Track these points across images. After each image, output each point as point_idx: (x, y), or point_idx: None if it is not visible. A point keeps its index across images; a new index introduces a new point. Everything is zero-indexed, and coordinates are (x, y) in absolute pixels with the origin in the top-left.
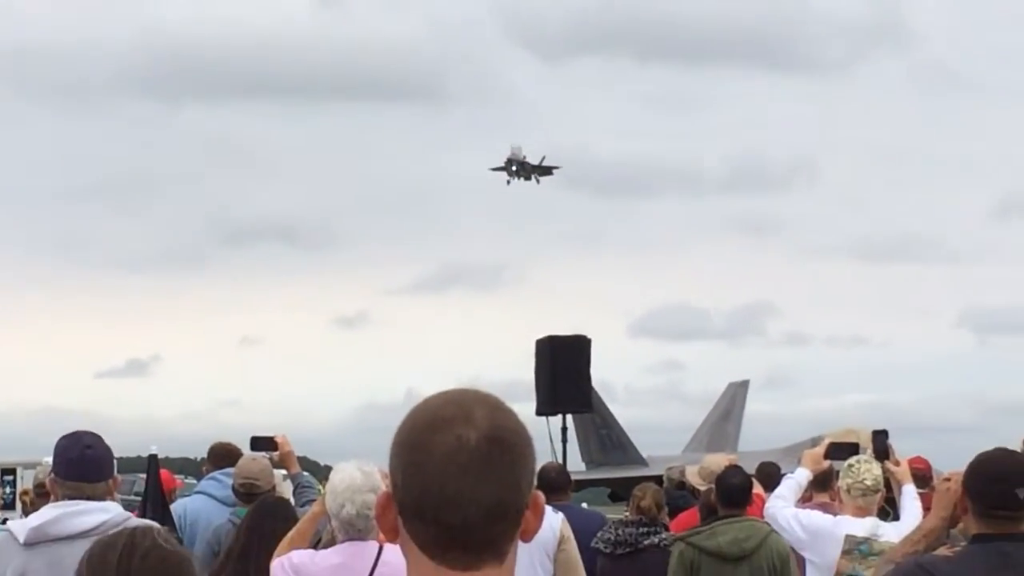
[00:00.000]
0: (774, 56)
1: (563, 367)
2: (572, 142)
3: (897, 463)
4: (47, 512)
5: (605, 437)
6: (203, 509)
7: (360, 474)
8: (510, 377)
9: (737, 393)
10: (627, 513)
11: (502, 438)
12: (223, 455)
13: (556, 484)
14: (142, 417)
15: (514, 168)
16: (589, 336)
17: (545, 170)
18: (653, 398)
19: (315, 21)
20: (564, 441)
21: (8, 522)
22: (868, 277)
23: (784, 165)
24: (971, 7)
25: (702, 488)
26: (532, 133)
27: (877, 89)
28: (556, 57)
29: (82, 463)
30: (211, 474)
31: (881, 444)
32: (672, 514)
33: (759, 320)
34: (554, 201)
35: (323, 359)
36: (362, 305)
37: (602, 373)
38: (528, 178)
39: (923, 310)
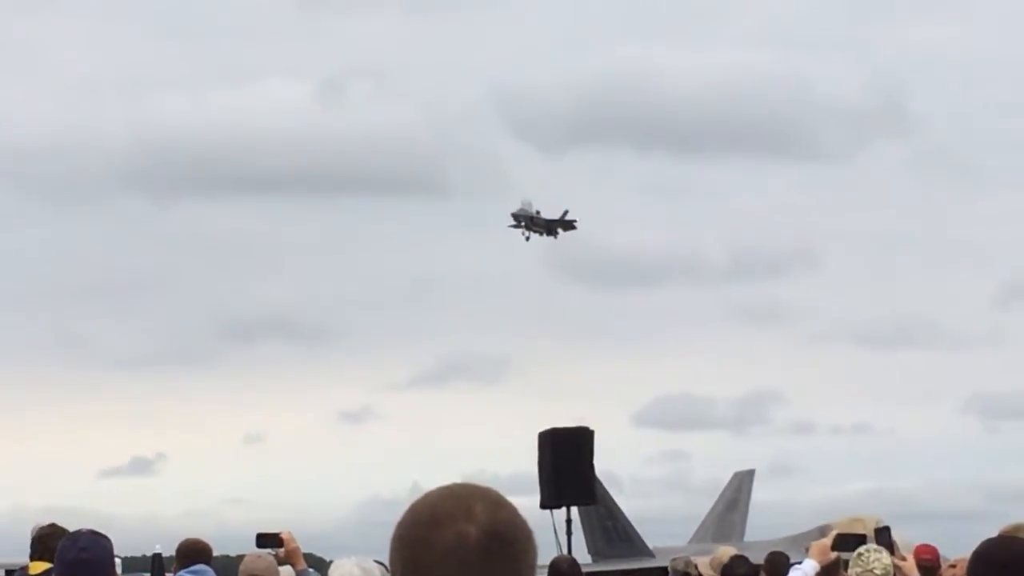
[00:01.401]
0: (774, 143)
1: (566, 459)
2: (574, 233)
3: (903, 559)
4: None
5: (611, 529)
6: None
7: (359, 570)
8: (514, 470)
9: (743, 482)
10: None
11: (502, 533)
12: (194, 552)
13: None
14: (146, 516)
15: (523, 223)
16: (592, 428)
17: (567, 224)
18: (658, 488)
19: (312, 114)
20: (569, 534)
21: None
22: (872, 364)
23: (785, 252)
24: (972, 92)
25: None
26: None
27: (878, 175)
28: (554, 147)
29: (76, 566)
30: (179, 573)
31: (885, 540)
32: None
33: (763, 408)
34: (555, 292)
35: (327, 455)
36: (365, 400)
37: (606, 464)
38: (548, 233)
39: (927, 396)
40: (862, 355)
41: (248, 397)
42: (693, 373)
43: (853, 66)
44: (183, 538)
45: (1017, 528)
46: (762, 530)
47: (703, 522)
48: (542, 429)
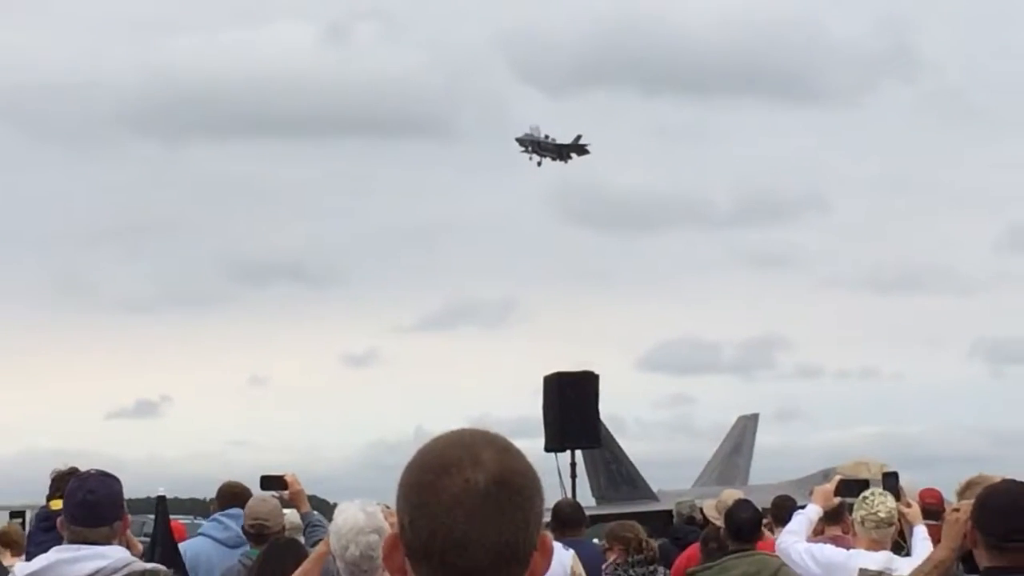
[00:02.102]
0: (782, 87)
1: (571, 403)
2: (579, 176)
3: (908, 504)
4: (45, 557)
5: (615, 472)
6: (203, 551)
7: (363, 515)
8: (519, 414)
9: (747, 426)
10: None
11: (510, 481)
12: (231, 496)
13: (570, 520)
14: (151, 458)
15: (529, 148)
16: (597, 372)
17: (580, 148)
18: (662, 432)
19: (320, 56)
20: (573, 476)
21: (16, 566)
22: (878, 308)
23: (793, 197)
24: (981, 36)
25: (718, 523)
26: (539, 169)
27: (886, 119)
28: (561, 90)
29: (83, 507)
30: (214, 515)
31: (891, 486)
32: (681, 548)
33: (769, 353)
34: (561, 236)
35: (332, 397)
36: (370, 343)
37: (611, 408)
38: (559, 157)
39: (934, 341)
40: (869, 299)
41: (253, 340)
42: (699, 317)
43: (862, 9)
44: (186, 479)
45: (981, 479)
46: (767, 473)
47: (707, 466)
48: (547, 373)
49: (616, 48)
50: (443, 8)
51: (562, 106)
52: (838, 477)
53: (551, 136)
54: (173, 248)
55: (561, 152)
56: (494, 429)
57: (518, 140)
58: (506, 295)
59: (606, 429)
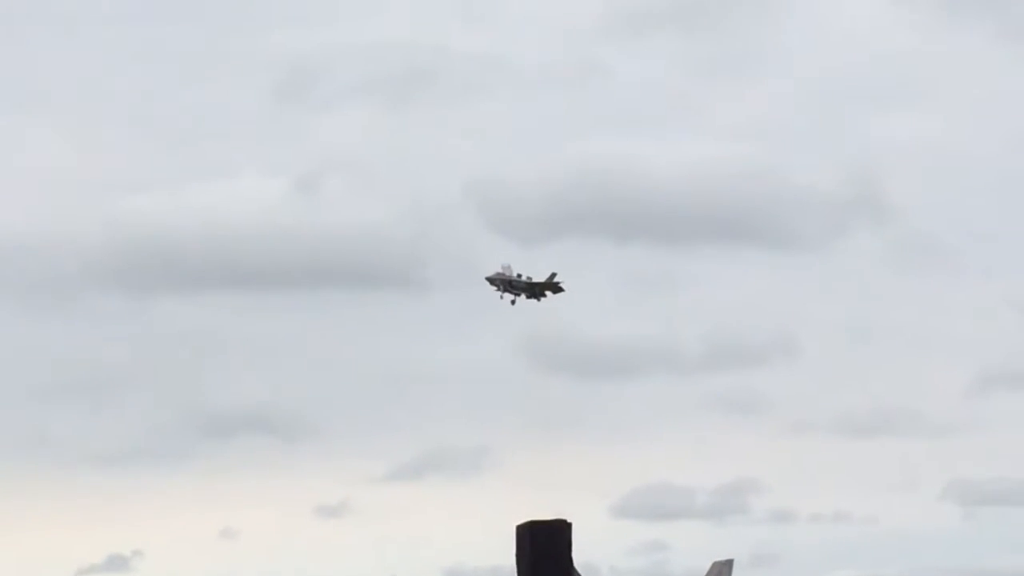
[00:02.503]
0: (753, 232)
1: (544, 553)
2: (550, 323)
3: None
4: None
5: None
6: None
7: None
8: (493, 563)
9: (722, 572)
10: None
11: None
12: None
13: None
14: None
15: (499, 286)
16: (570, 520)
17: (554, 287)
18: None
19: (290, 209)
20: None
21: None
22: (851, 452)
23: (764, 342)
24: (948, 183)
25: None
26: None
27: (855, 264)
28: (534, 240)
29: None
30: None
31: None
32: None
33: (743, 498)
34: (533, 383)
35: (305, 549)
36: (343, 494)
37: (586, 556)
38: (531, 296)
39: (907, 484)
40: (841, 443)
41: (224, 492)
42: (672, 463)
43: (828, 157)
44: None
45: None
46: None
47: None
48: (520, 522)
49: (587, 196)
50: (412, 158)
51: (533, 254)
52: None
53: (523, 275)
54: (142, 402)
55: (534, 291)
56: None
57: (488, 279)
58: (478, 443)
59: None
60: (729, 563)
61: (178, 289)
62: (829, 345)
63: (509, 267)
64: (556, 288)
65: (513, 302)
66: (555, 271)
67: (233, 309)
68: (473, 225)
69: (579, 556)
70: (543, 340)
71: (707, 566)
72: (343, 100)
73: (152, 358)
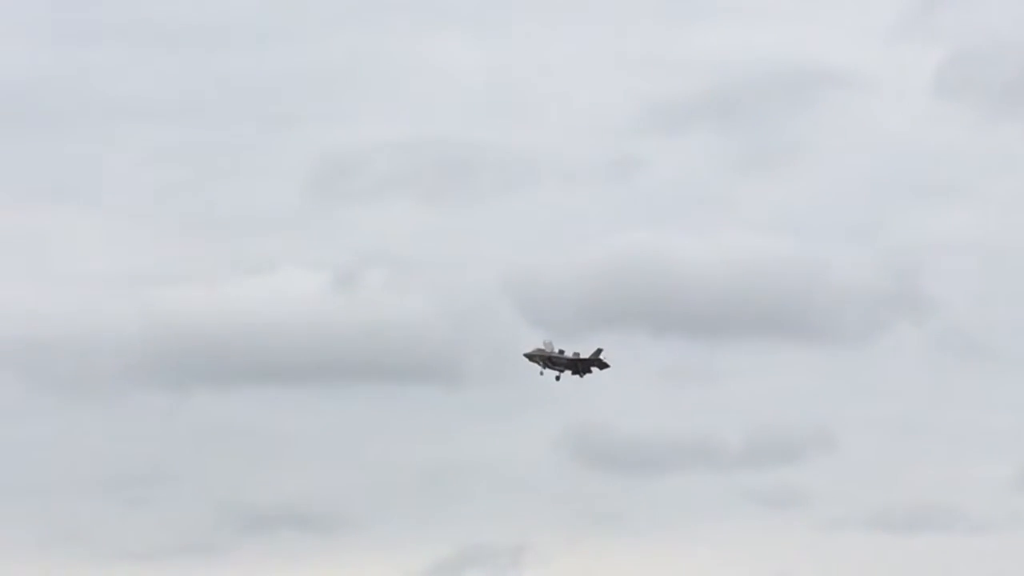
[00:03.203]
0: (791, 327)
1: None
2: (590, 421)
3: None
4: None
5: None
6: None
7: None
8: None
9: None
10: None
11: None
12: None
13: None
14: None
15: (540, 362)
16: None
17: (599, 363)
18: None
19: (328, 304)
20: None
21: None
22: (889, 549)
23: (802, 437)
24: (989, 277)
25: None
26: (548, 411)
27: (894, 359)
28: (571, 333)
29: None
30: None
31: None
32: None
33: None
34: (571, 479)
35: None
36: None
37: None
38: (575, 372)
39: None
40: (879, 540)
41: None
42: (710, 560)
43: (868, 252)
44: None
45: None
46: None
47: None
48: None
49: (625, 289)
50: (450, 252)
51: (570, 348)
52: None
53: (565, 351)
54: (178, 497)
55: (578, 367)
56: None
57: (527, 356)
58: (516, 540)
59: None
60: None
61: (216, 384)
62: (868, 441)
63: (550, 343)
64: (601, 364)
65: (558, 378)
66: (601, 347)
67: (271, 404)
68: (511, 319)
69: None
70: (581, 435)
71: None
72: (381, 194)
73: (189, 453)
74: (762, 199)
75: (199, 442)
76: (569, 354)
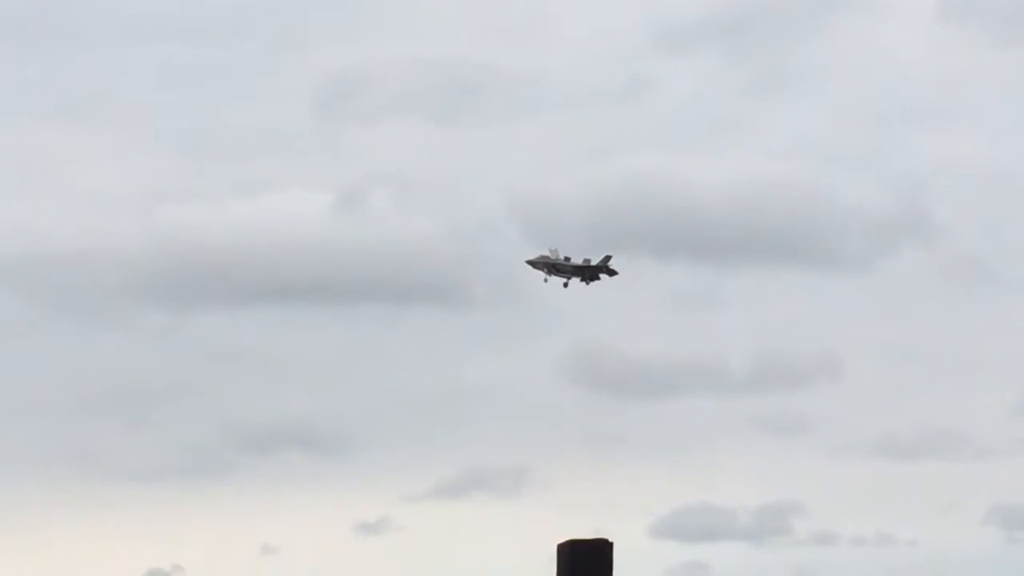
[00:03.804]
0: (798, 251)
1: (585, 572)
2: (595, 344)
3: None
4: None
5: None
6: None
7: None
8: None
9: None
10: None
11: None
12: None
13: None
14: None
15: (544, 269)
16: (611, 539)
17: (608, 270)
18: None
19: (333, 224)
20: None
21: None
22: (894, 475)
23: (808, 362)
24: (996, 203)
25: None
26: (554, 334)
27: (901, 284)
28: (577, 256)
29: None
30: None
31: None
32: None
33: (784, 520)
34: (575, 402)
35: (345, 567)
36: (383, 511)
37: None
38: (584, 279)
39: (950, 507)
40: (884, 466)
41: (265, 508)
42: (714, 483)
43: (875, 176)
44: None
45: None
46: None
47: None
48: (561, 541)
49: (631, 213)
50: (456, 173)
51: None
52: None
53: (571, 258)
54: (182, 417)
55: (584, 273)
56: None
57: (530, 263)
58: (520, 462)
59: None
60: None
61: (221, 303)
62: (873, 366)
63: (556, 250)
64: (610, 271)
65: (565, 284)
66: (610, 253)
67: (276, 323)
68: (517, 240)
69: None
70: (586, 358)
71: None
72: (388, 115)
73: (193, 372)
74: (770, 122)
75: (203, 362)
76: (577, 262)
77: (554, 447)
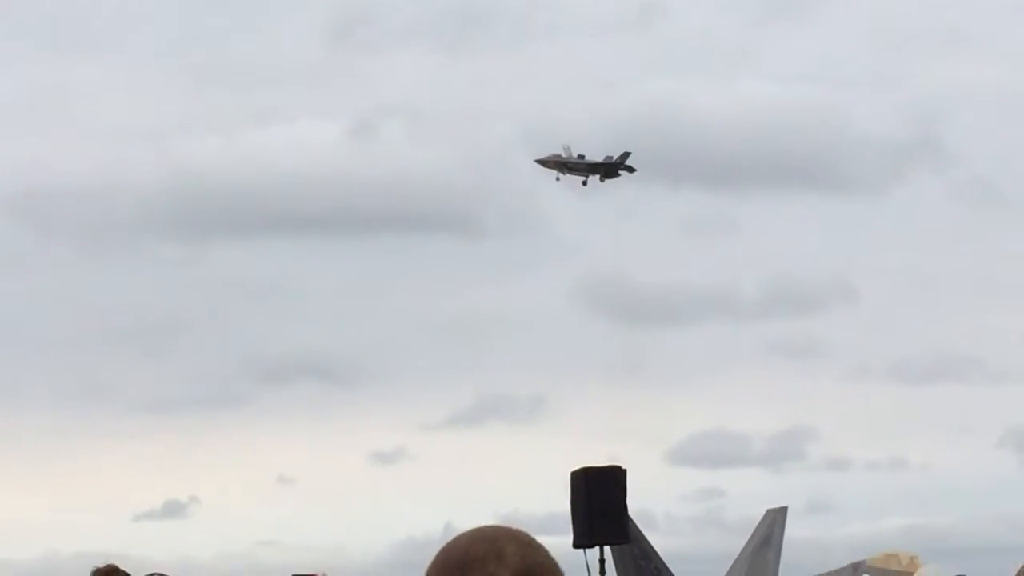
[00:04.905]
0: (809, 177)
1: (598, 499)
2: (608, 270)
3: None
4: None
5: (644, 568)
6: None
7: None
8: (548, 510)
9: (775, 520)
10: None
11: (534, 575)
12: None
13: None
14: (179, 560)
15: (556, 168)
16: (624, 466)
17: (625, 167)
18: (692, 527)
19: (344, 154)
20: (602, 573)
21: None
22: (908, 399)
23: (821, 288)
24: (1010, 128)
25: None
26: (567, 262)
27: (915, 209)
28: (588, 186)
29: None
30: None
31: None
32: None
33: (798, 445)
34: (589, 330)
35: (360, 496)
36: (398, 441)
37: (640, 503)
38: (604, 176)
39: (964, 431)
40: (898, 390)
41: (281, 439)
42: (728, 410)
43: (887, 101)
44: None
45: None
46: (797, 568)
47: (736, 561)
48: (575, 468)
49: (643, 139)
50: (468, 103)
51: (588, 201)
52: None
53: (585, 156)
54: (197, 349)
55: (600, 170)
56: (523, 526)
57: (539, 162)
58: (534, 391)
59: (635, 525)
60: (783, 511)
61: (232, 235)
62: (887, 291)
63: (568, 147)
64: (629, 168)
65: (584, 182)
66: (628, 151)
67: (287, 255)
68: (530, 169)
69: (634, 503)
70: (599, 286)
71: (762, 513)
72: (398, 44)
73: (206, 304)
74: (782, 48)
75: (217, 293)
76: (596, 159)
77: (568, 376)
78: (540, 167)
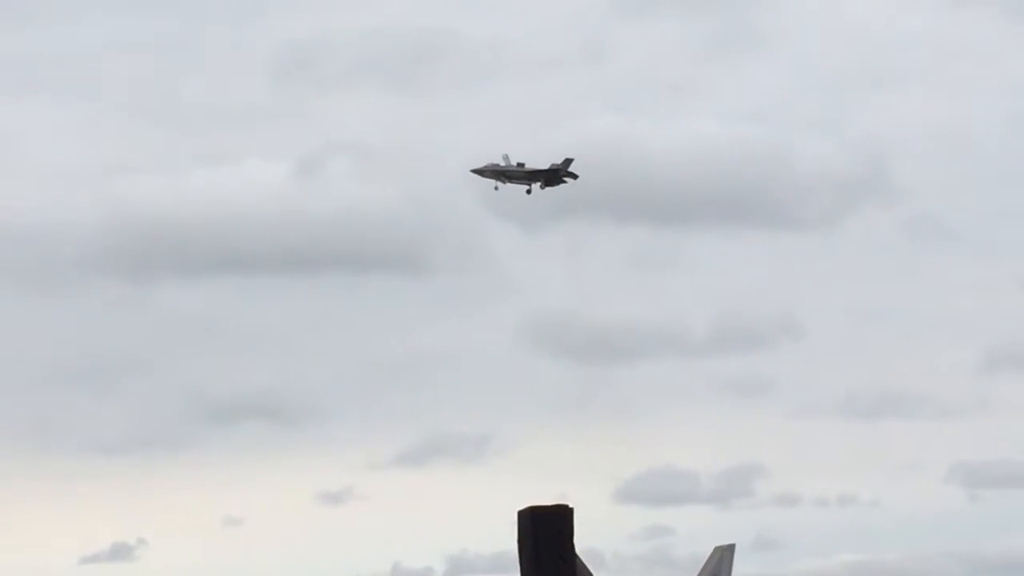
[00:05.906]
0: (757, 213)
1: (546, 538)
2: (555, 309)
3: None
4: None
5: None
6: None
7: None
8: (496, 549)
9: (724, 557)
10: None
11: None
12: None
13: None
14: None
15: (493, 177)
16: (572, 505)
17: (570, 174)
18: (641, 565)
19: (292, 192)
20: None
21: None
22: (856, 434)
23: (769, 324)
24: (957, 163)
25: None
26: (514, 300)
27: (861, 245)
28: (535, 223)
29: None
30: None
31: None
32: None
33: (747, 482)
34: (536, 368)
35: (308, 536)
36: (346, 481)
37: (588, 541)
38: (546, 183)
39: (912, 466)
40: (847, 425)
41: (227, 480)
42: (676, 447)
43: (834, 138)
44: None
45: None
46: None
47: None
48: (522, 507)
49: (590, 177)
50: (415, 141)
51: (535, 238)
52: None
53: (525, 164)
54: (144, 389)
55: (541, 177)
56: (472, 565)
57: (475, 171)
58: (482, 429)
59: (582, 564)
60: (731, 548)
61: (179, 274)
62: (834, 327)
63: (507, 156)
64: (572, 174)
65: (529, 191)
66: (571, 157)
67: (235, 294)
68: (475, 208)
69: (582, 541)
70: (546, 324)
71: (710, 551)
72: (345, 83)
73: (153, 344)
74: (728, 86)
75: (163, 333)
76: (535, 167)
77: (515, 414)
78: (476, 176)
